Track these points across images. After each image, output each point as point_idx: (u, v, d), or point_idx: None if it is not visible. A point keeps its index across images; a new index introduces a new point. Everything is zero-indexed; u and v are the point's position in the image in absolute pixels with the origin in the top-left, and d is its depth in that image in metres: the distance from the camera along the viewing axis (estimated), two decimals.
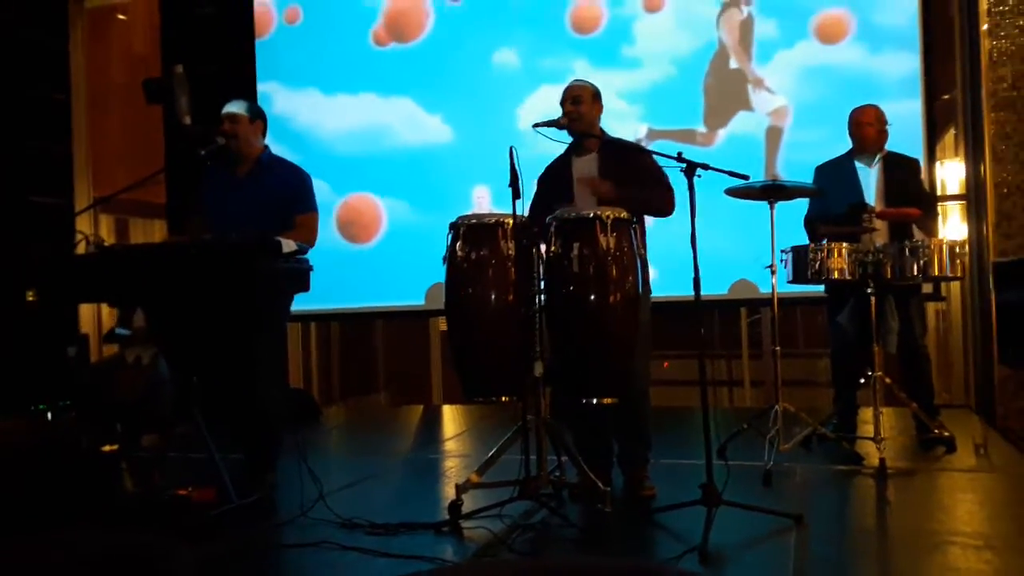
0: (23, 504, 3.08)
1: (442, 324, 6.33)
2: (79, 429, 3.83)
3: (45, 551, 1.48)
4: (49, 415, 4.55)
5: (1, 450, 3.59)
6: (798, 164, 4.68)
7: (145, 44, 7.03)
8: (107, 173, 6.56)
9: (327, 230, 5.55)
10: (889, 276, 3.64)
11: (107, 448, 3.53)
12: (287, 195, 3.52)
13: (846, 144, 4.19)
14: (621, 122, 5.00)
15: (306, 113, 5.93)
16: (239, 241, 2.97)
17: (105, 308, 6.40)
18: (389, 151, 5.76)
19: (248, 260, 2.93)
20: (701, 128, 5.27)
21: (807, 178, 4.10)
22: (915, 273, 3.63)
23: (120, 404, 3.63)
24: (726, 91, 5.22)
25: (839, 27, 5.05)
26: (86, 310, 6.34)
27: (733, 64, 5.23)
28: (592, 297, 2.97)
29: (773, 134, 5.18)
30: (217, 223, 3.50)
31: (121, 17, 7.31)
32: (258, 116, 3.60)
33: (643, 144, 5.17)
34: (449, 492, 3.17)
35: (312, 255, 3.36)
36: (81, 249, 3.09)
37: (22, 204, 5.94)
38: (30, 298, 3.26)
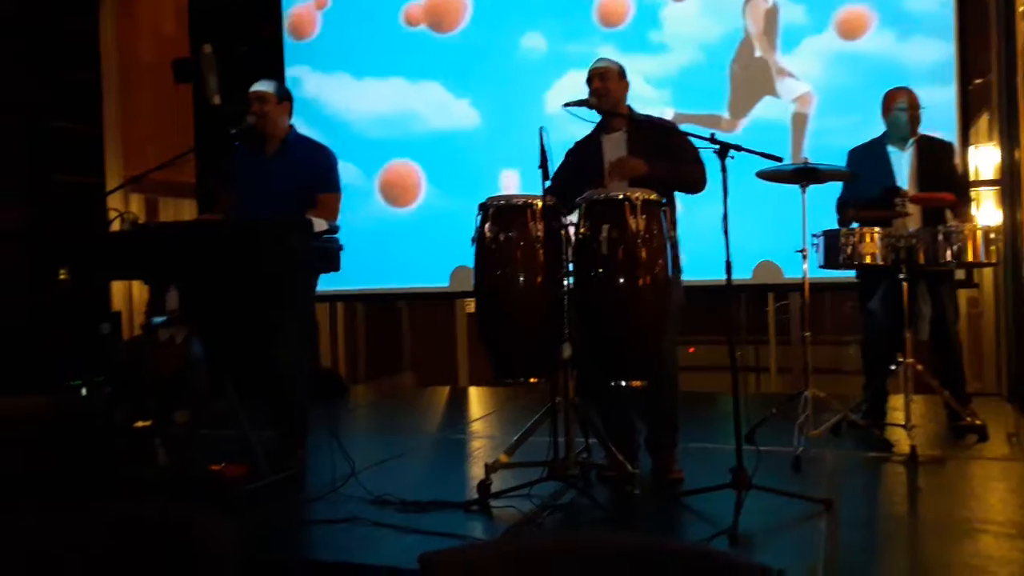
0: (59, 478, 3.13)
1: (468, 306, 6.35)
2: (113, 405, 3.89)
3: (91, 522, 1.51)
4: (83, 391, 4.62)
5: (36, 425, 3.65)
6: (826, 150, 4.64)
7: (174, 24, 7.06)
8: (137, 152, 6.61)
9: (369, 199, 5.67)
10: (922, 261, 3.60)
11: (141, 424, 3.58)
12: (313, 174, 3.55)
13: (876, 130, 4.14)
14: (648, 107, 4.96)
15: (336, 97, 5.94)
16: (274, 220, 2.99)
17: (137, 286, 6.48)
18: (417, 135, 5.76)
19: (282, 239, 2.95)
20: (725, 115, 5.23)
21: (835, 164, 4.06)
22: (949, 259, 3.58)
23: (154, 381, 3.68)
24: (751, 79, 5.18)
25: (860, 22, 4.99)
26: (118, 288, 6.42)
27: (758, 53, 5.18)
28: (621, 280, 2.95)
29: (799, 120, 5.13)
30: (246, 201, 3.53)
31: None
32: (285, 96, 3.63)
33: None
34: (476, 472, 3.19)
35: (350, 232, 3.39)
36: (116, 226, 3.12)
37: (53, 183, 6.01)
38: (62, 276, 3.30)
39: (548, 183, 3.03)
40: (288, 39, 6.02)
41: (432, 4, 5.75)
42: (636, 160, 3.25)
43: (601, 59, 3.45)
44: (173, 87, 5.97)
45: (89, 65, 6.35)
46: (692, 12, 5.30)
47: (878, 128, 4.13)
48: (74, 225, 4.91)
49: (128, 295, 6.60)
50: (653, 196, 3.01)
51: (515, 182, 5.42)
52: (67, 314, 5.47)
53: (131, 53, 6.91)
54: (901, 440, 3.60)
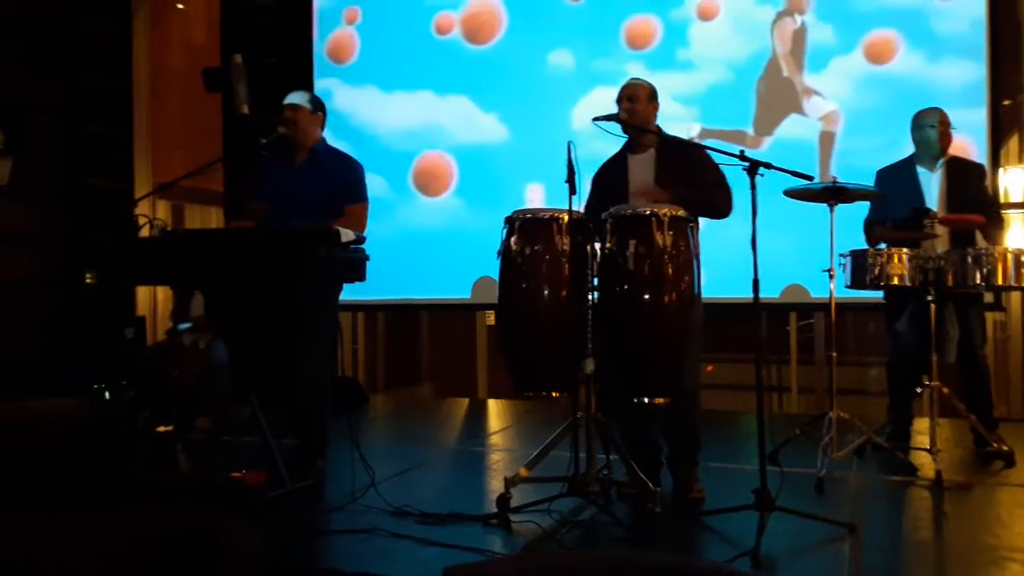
0: (82, 482, 3.15)
1: (489, 318, 6.35)
2: (136, 410, 3.91)
3: (118, 526, 1.51)
4: (107, 395, 4.66)
5: (60, 428, 3.68)
6: (853, 171, 4.61)
7: (204, 34, 7.16)
8: (165, 159, 6.69)
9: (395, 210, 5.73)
10: (951, 284, 3.55)
11: (163, 429, 3.60)
12: (341, 184, 3.59)
13: (903, 152, 4.11)
14: (674, 123, 4.97)
15: (365, 109, 5.99)
16: (302, 229, 3.02)
17: (161, 291, 6.54)
18: (445, 148, 5.81)
19: (309, 248, 2.97)
20: (750, 131, 5.22)
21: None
22: (978, 281, 3.53)
23: (177, 386, 3.70)
24: (777, 97, 5.18)
25: (888, 47, 4.97)
26: (143, 293, 6.49)
27: (785, 72, 5.17)
28: (646, 296, 2.94)
29: (826, 139, 5.11)
30: (275, 210, 3.57)
31: (180, 7, 7.45)
32: (319, 108, 3.67)
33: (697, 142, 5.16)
34: (495, 485, 3.18)
35: (375, 243, 3.41)
36: (145, 232, 3.16)
37: (82, 188, 6.10)
38: (89, 280, 3.34)
39: (579, 204, 3.03)
40: (326, 61, 6.09)
41: (469, 16, 5.79)
42: (660, 192, 3.23)
43: (632, 79, 3.45)
44: (203, 96, 6.04)
45: (121, 73, 6.45)
46: (719, 31, 5.30)
47: (906, 150, 4.11)
48: (103, 230, 4.97)
49: (153, 300, 6.66)
50: (681, 212, 3.00)
51: (540, 196, 5.43)
52: (92, 318, 5.53)
53: (162, 62, 7.01)
54: (926, 464, 3.55)
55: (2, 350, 5.26)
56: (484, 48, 5.76)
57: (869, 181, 4.08)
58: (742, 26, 5.26)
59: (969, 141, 4.69)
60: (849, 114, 5.08)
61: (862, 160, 4.63)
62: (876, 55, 5.01)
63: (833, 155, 5.10)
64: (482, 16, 5.76)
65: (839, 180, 3.56)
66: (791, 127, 5.16)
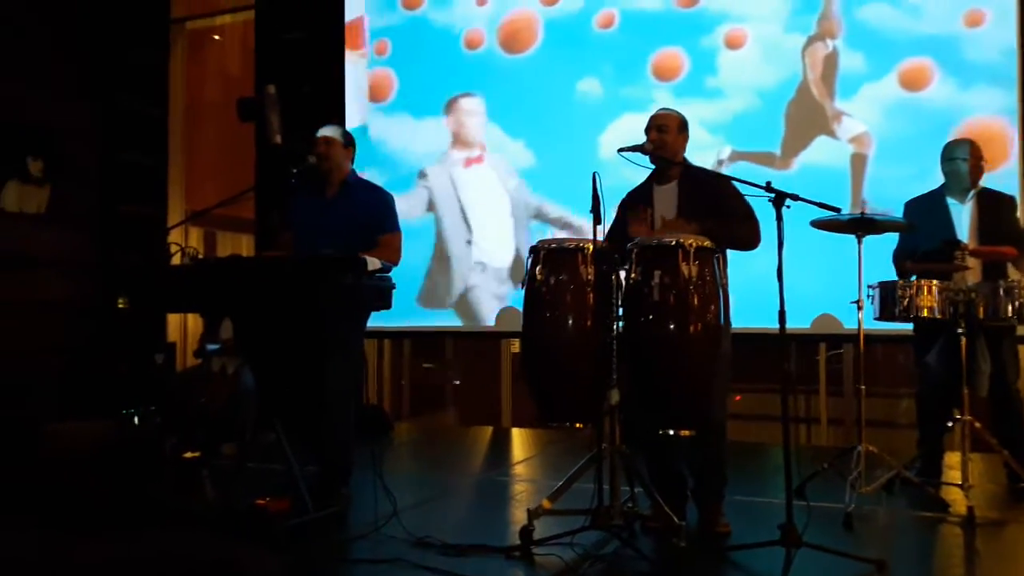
0: (110, 504, 3.19)
1: (513, 346, 6.35)
2: (163, 435, 3.96)
3: (143, 550, 1.53)
4: (136, 419, 4.72)
5: (90, 451, 3.73)
6: (883, 200, 4.59)
7: (239, 65, 7.31)
8: (198, 186, 6.82)
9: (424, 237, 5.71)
10: (982, 316, 3.51)
11: (189, 455, 3.63)
12: (372, 215, 3.64)
13: (934, 180, 4.08)
14: (701, 153, 4.98)
15: (395, 136, 6.07)
16: (329, 258, 3.05)
17: (191, 317, 6.63)
18: None
19: (335, 276, 3.01)
20: (778, 152, 5.19)
21: (893, 213, 4.00)
22: (1010, 314, 3.48)
23: (204, 412, 3.74)
24: (807, 120, 5.15)
25: (922, 75, 4.94)
26: (173, 319, 6.58)
27: (816, 97, 5.16)
28: (672, 326, 2.93)
29: (857, 161, 5.07)
30: (306, 240, 3.62)
31: (216, 38, 7.63)
32: (351, 143, 3.77)
33: (724, 166, 5.16)
34: (518, 516, 3.17)
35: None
36: (177, 260, 3.21)
37: (117, 214, 6.23)
38: (121, 305, 3.40)
39: (603, 235, 3.03)
40: (367, 102, 6.19)
41: (506, 30, 5.84)
42: (684, 224, 3.21)
43: (662, 109, 3.46)
44: (236, 125, 6.16)
45: (157, 101, 6.61)
46: (749, 58, 5.30)
47: (936, 178, 4.07)
48: (136, 255, 5.07)
49: (183, 326, 6.76)
50: (706, 243, 2.99)
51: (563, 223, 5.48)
52: (124, 342, 5.62)
53: (198, 91, 7.17)
54: (957, 500, 3.48)
55: (35, 373, 5.36)
56: (516, 59, 5.80)
57: (899, 208, 4.05)
58: (771, 53, 5.26)
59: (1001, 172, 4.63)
60: (880, 141, 5.04)
61: (892, 190, 4.59)
62: (911, 82, 4.98)
63: (865, 179, 5.05)
64: (516, 32, 5.80)
65: (868, 211, 3.54)
66: (823, 152, 5.11)
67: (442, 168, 5.97)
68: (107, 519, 2.99)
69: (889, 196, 4.31)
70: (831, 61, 5.15)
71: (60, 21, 5.96)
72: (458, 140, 5.94)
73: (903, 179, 4.68)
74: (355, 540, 3.04)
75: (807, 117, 5.16)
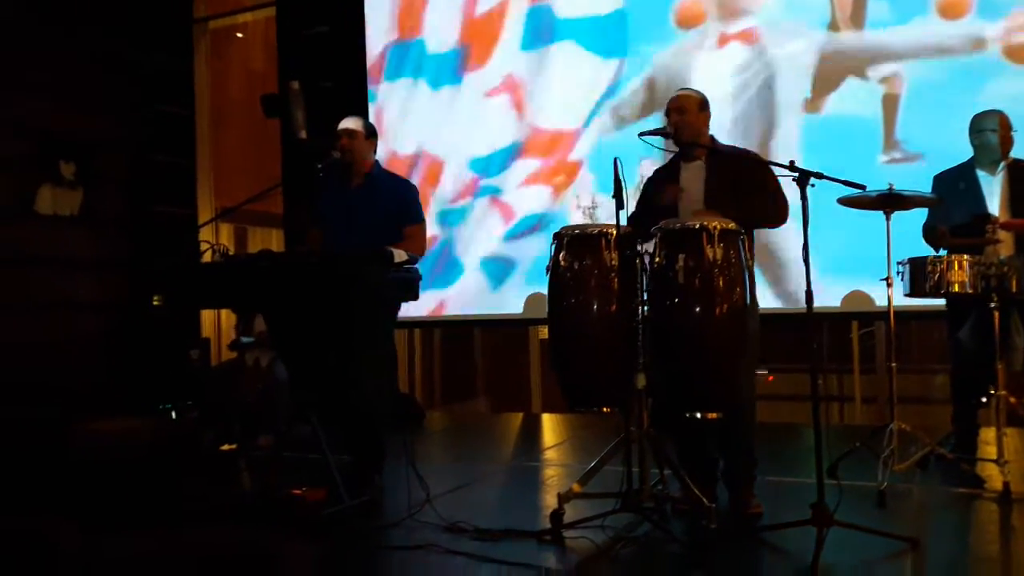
0: (150, 498, 3.27)
1: (542, 333, 6.37)
2: (201, 429, 4.04)
3: (174, 546, 1.58)
4: (173, 414, 4.82)
5: (130, 447, 3.82)
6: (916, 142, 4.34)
7: (262, 61, 7.38)
8: (227, 184, 6.91)
9: None
10: (1015, 290, 3.45)
11: (226, 447, 3.71)
12: (397, 207, 3.66)
13: (964, 127, 3.98)
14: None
15: (416, 129, 6.07)
16: (356, 252, 3.09)
17: (225, 313, 6.74)
18: None
19: (363, 270, 3.05)
20: (808, 95, 5.05)
21: (921, 175, 3.92)
22: None
23: (239, 405, 3.81)
24: (836, 63, 5.01)
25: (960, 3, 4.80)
26: (207, 315, 6.69)
27: (845, 37, 5.03)
28: (697, 309, 2.92)
29: (889, 102, 4.91)
30: (332, 233, 3.66)
31: (240, 36, 7.70)
32: (372, 134, 3.78)
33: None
34: (549, 500, 3.19)
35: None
36: (207, 257, 3.27)
37: (148, 214, 6.34)
38: (156, 303, 3.47)
39: (627, 212, 3.03)
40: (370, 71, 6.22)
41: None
42: (712, 215, 3.19)
43: (681, 90, 3.43)
44: (262, 122, 6.23)
45: (184, 101, 6.70)
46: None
47: (969, 111, 3.95)
48: (168, 254, 5.16)
49: (216, 322, 6.87)
50: (731, 225, 2.97)
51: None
52: (159, 340, 5.72)
53: (223, 90, 7.25)
54: (993, 476, 3.44)
55: (73, 371, 5.49)
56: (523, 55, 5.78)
57: (932, 150, 3.91)
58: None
59: None
60: (911, 80, 4.87)
61: (925, 132, 4.41)
62: (947, 9, 4.83)
63: (897, 122, 4.90)
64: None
65: (895, 188, 3.49)
66: (854, 97, 4.93)
67: None
68: (143, 514, 3.07)
69: (921, 139, 4.11)
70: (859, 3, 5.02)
71: (85, 29, 6.06)
72: None
73: (935, 122, 4.54)
74: (389, 527, 3.09)
75: (836, 59, 5.00)
